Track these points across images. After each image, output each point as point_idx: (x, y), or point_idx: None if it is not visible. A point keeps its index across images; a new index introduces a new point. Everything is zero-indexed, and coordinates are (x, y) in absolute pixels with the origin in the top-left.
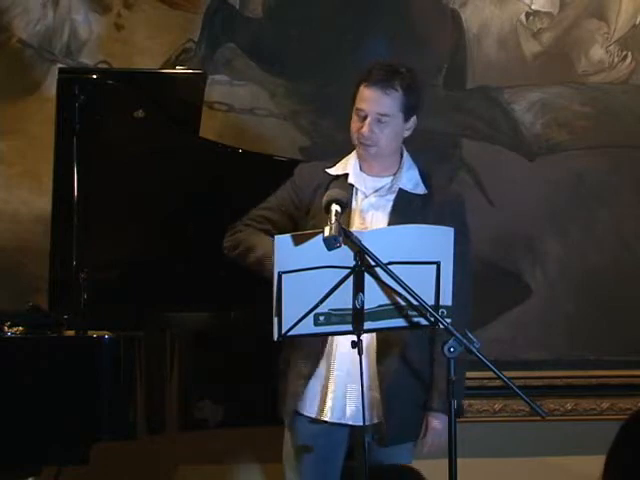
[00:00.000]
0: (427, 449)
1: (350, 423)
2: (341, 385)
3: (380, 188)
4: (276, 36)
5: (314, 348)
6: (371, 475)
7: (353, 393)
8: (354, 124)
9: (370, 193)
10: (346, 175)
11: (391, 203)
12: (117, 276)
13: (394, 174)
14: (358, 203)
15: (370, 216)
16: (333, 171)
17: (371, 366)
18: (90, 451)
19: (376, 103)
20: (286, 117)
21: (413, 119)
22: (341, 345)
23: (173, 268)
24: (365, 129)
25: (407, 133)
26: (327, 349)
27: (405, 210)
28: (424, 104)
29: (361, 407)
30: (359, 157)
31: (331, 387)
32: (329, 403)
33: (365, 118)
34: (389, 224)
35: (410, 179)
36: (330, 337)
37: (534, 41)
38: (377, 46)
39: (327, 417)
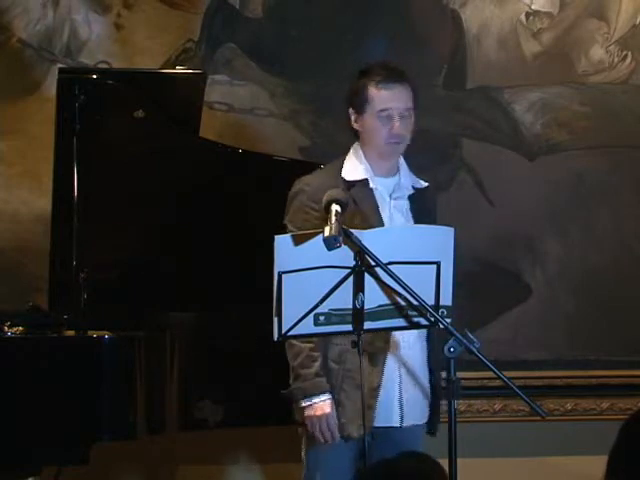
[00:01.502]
0: None
1: (419, 423)
2: (409, 388)
3: (396, 189)
4: (276, 36)
5: (375, 358)
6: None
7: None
8: (378, 127)
9: (390, 194)
10: (365, 180)
11: (407, 203)
12: (117, 276)
13: (396, 173)
14: (382, 205)
15: (395, 217)
16: (349, 176)
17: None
18: (90, 451)
19: (401, 99)
20: (286, 117)
21: (416, 111)
22: (401, 346)
23: (173, 268)
24: (399, 127)
25: (413, 126)
26: (386, 354)
27: (422, 207)
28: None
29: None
30: (380, 157)
31: (402, 392)
32: (405, 408)
33: (391, 117)
34: (416, 221)
35: (409, 175)
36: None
37: (534, 41)
38: (377, 46)
39: (404, 423)
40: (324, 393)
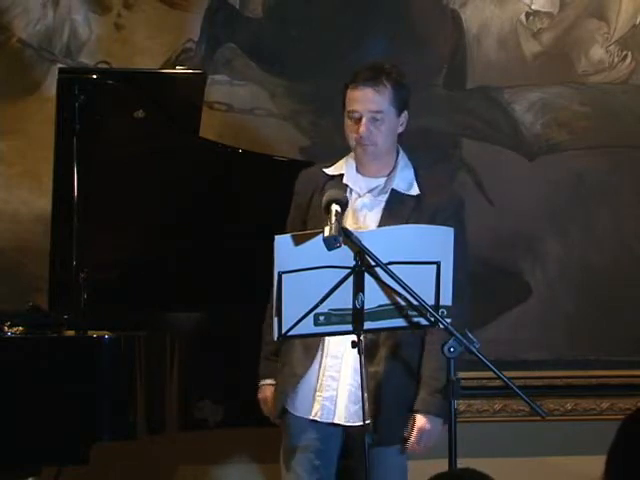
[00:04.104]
0: (411, 450)
1: (341, 423)
2: (333, 385)
3: (374, 188)
4: (276, 36)
5: (309, 348)
6: None
7: (344, 393)
8: (349, 127)
9: (364, 193)
10: (341, 175)
11: (383, 203)
12: (117, 276)
13: (388, 174)
14: (352, 203)
15: (363, 216)
16: (330, 171)
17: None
18: (90, 451)
19: (368, 101)
20: (286, 117)
21: (404, 114)
22: (333, 345)
23: (173, 268)
24: (362, 129)
25: (401, 129)
26: (321, 349)
27: (397, 210)
28: (410, 100)
29: (350, 406)
30: (357, 158)
31: (323, 387)
32: (321, 403)
33: (359, 119)
34: (380, 224)
35: (404, 179)
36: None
37: (534, 41)
38: (377, 46)
39: (318, 417)
40: (265, 378)
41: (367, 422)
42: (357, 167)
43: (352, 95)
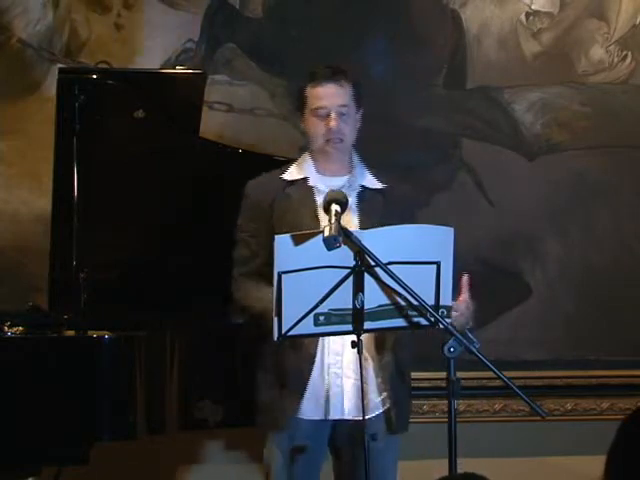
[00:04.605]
0: (461, 302)
1: (350, 418)
2: (338, 382)
3: (340, 187)
4: (276, 36)
5: (308, 351)
6: None
7: (349, 388)
8: (317, 125)
9: None
10: (304, 179)
11: (355, 200)
12: (117, 276)
13: (349, 173)
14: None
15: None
16: (289, 177)
17: (369, 360)
18: (90, 451)
19: (334, 96)
20: (286, 117)
21: (361, 111)
22: (332, 342)
23: (173, 268)
24: (333, 123)
25: (358, 125)
26: (320, 349)
27: (370, 206)
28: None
29: (357, 401)
30: (321, 158)
31: (331, 385)
32: (331, 401)
33: (327, 115)
34: (361, 221)
35: (363, 175)
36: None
37: (534, 41)
38: (377, 46)
39: (330, 416)
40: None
41: (367, 417)
42: (317, 169)
43: (316, 93)
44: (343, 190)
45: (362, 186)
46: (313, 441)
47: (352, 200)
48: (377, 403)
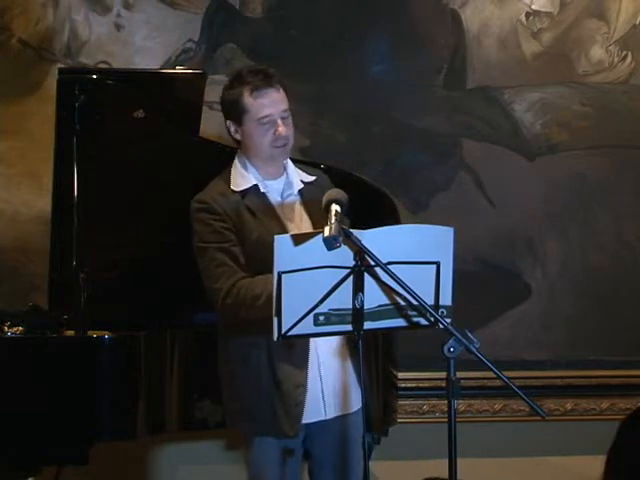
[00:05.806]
0: None
1: (340, 414)
2: (330, 382)
3: (286, 188)
4: (276, 36)
5: (301, 353)
6: None
7: (339, 385)
8: (264, 134)
9: (287, 194)
10: (254, 186)
11: (298, 198)
12: (117, 276)
13: (283, 173)
14: (278, 208)
15: (299, 217)
16: (238, 187)
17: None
18: (90, 451)
19: (277, 102)
20: None
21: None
22: (320, 344)
23: (173, 268)
24: (283, 129)
25: None
26: (314, 349)
27: (313, 199)
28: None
29: (343, 398)
30: (270, 162)
31: (325, 387)
32: (328, 401)
33: (273, 122)
34: (312, 216)
35: (296, 172)
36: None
37: (534, 41)
38: (377, 46)
39: (330, 415)
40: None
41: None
42: (260, 173)
43: (260, 103)
44: (288, 190)
45: (303, 182)
46: (298, 442)
47: (296, 197)
48: (356, 400)
